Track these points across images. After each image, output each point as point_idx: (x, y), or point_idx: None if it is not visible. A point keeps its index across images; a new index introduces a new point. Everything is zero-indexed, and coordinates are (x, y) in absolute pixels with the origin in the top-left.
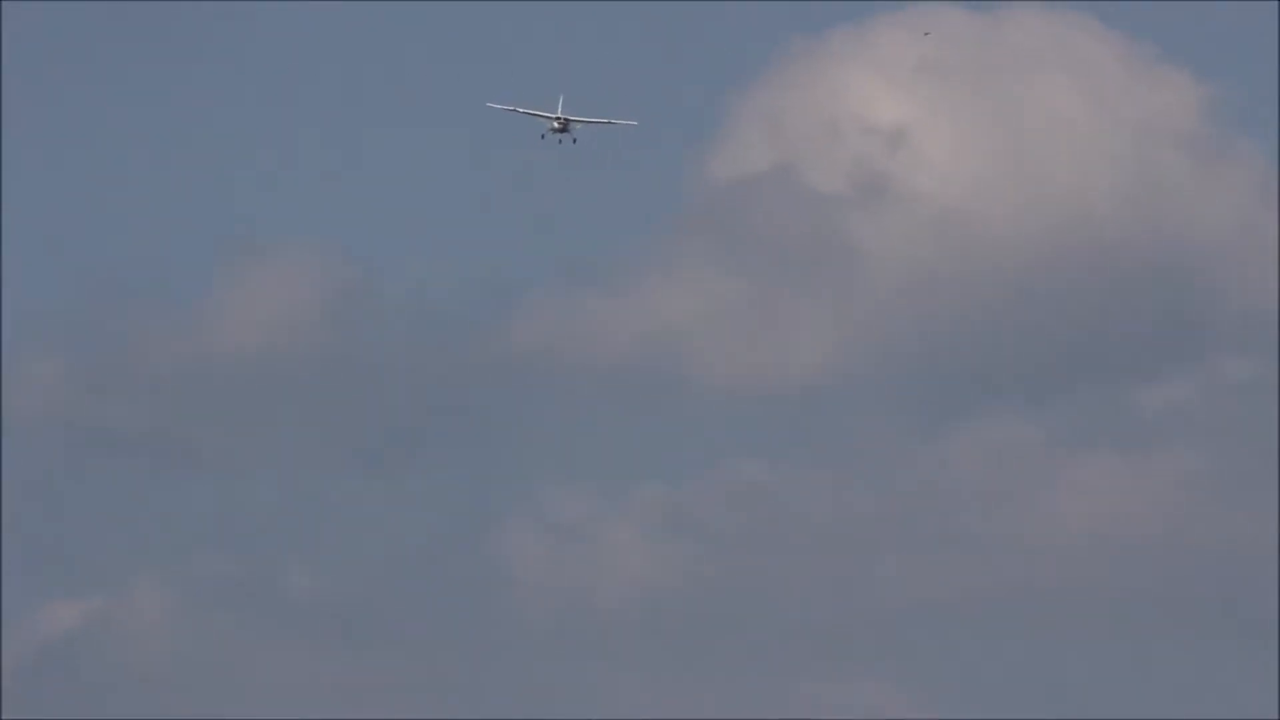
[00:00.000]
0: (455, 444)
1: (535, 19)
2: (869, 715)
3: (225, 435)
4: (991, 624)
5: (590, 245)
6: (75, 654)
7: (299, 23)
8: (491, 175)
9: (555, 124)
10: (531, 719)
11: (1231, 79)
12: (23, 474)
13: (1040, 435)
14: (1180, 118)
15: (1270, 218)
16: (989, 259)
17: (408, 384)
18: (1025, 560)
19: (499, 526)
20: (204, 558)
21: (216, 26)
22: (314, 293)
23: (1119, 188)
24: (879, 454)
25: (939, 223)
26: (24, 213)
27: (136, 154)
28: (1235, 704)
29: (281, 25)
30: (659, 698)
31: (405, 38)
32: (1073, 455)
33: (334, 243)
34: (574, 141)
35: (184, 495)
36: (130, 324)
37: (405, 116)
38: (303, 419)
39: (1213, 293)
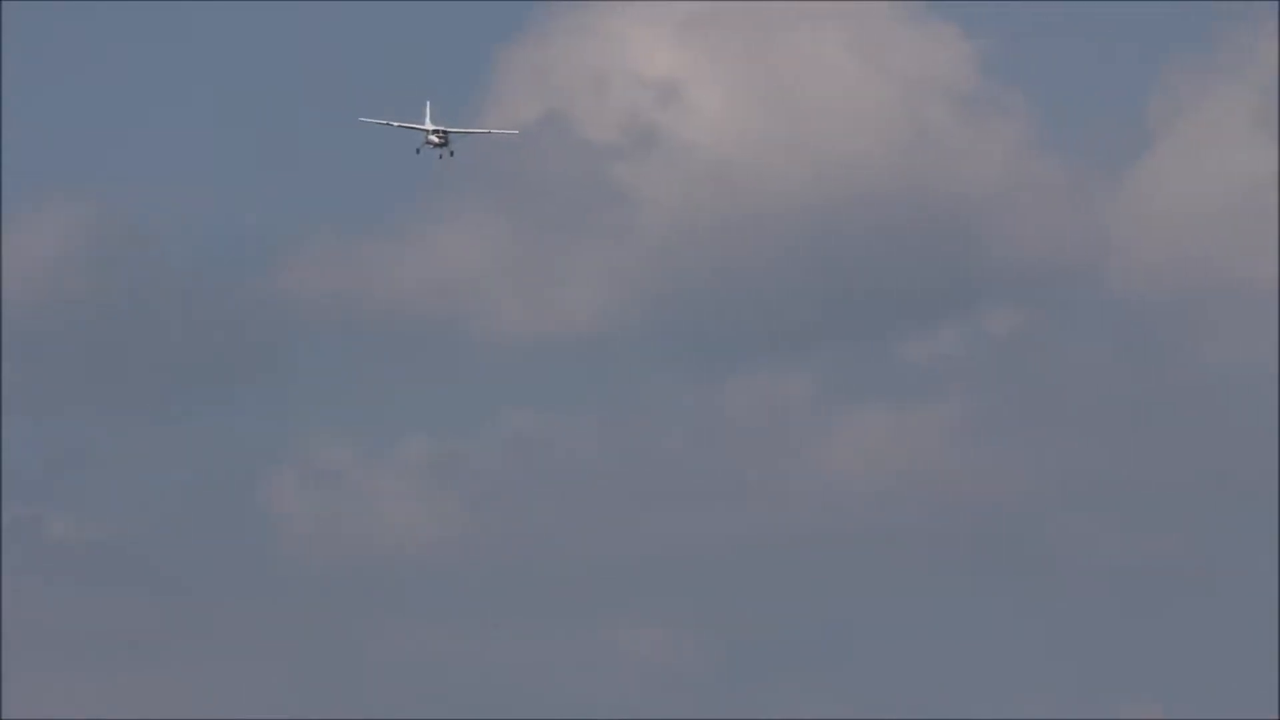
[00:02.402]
0: (226, 391)
1: None
2: (640, 661)
3: None
4: (766, 570)
5: (362, 194)
6: None
7: None
8: (266, 124)
9: (434, 137)
10: (301, 668)
11: (1001, 32)
12: None
13: (811, 385)
14: (950, 71)
15: (1035, 169)
16: (760, 210)
17: (179, 331)
18: (796, 508)
19: (269, 474)
20: None
21: None
22: (84, 241)
23: (889, 140)
24: (651, 403)
25: (710, 174)
26: None
27: None
28: (1000, 641)
29: None
30: (429, 646)
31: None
32: (843, 405)
33: (106, 192)
34: (451, 155)
35: None
36: None
37: (175, 63)
38: (71, 366)
39: (981, 245)
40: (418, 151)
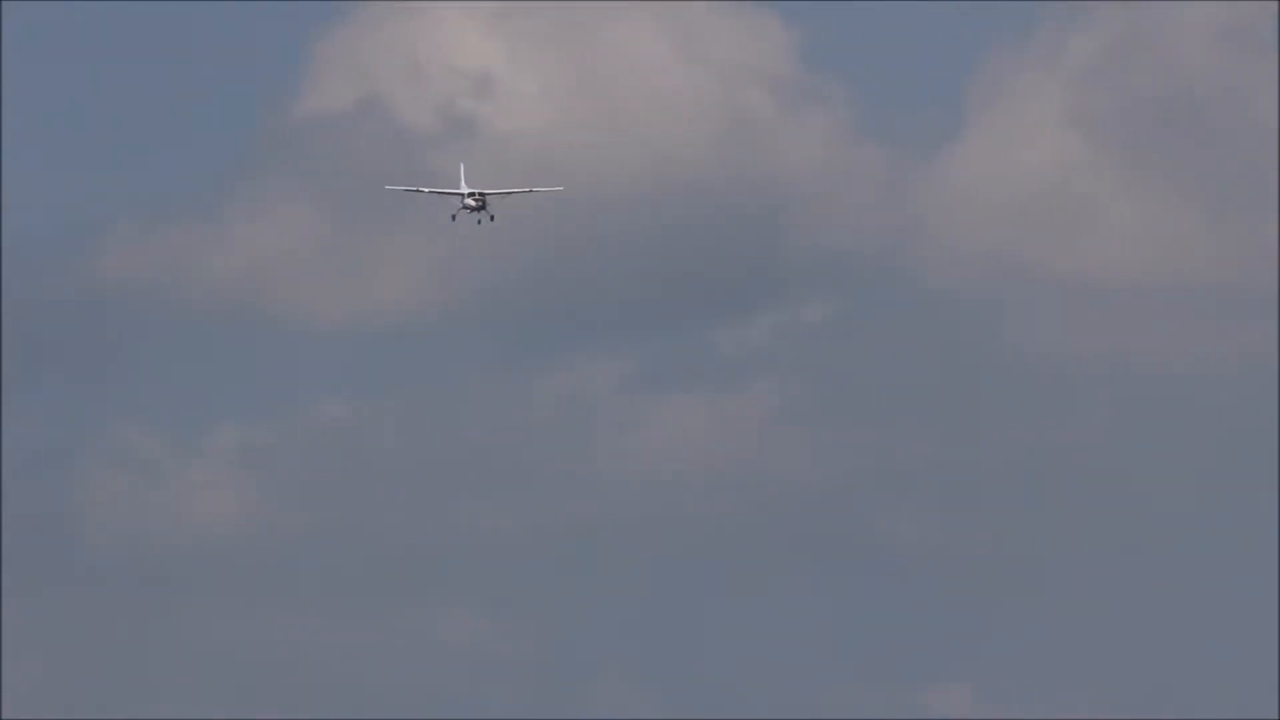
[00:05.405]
0: (32, 379)
1: None
2: (451, 651)
3: None
4: (577, 560)
5: (173, 181)
6: None
7: None
8: (76, 110)
9: (470, 200)
10: (108, 658)
11: (820, 22)
12: None
13: (624, 374)
14: (767, 60)
15: (851, 159)
16: (574, 200)
17: None
18: (609, 497)
19: (77, 462)
20: None
21: None
22: None
23: (705, 129)
24: (463, 392)
25: (525, 162)
26: None
27: None
28: (814, 630)
29: None
30: (238, 636)
31: None
32: (656, 394)
33: None
34: (491, 219)
35: None
36: None
37: None
38: None
39: (795, 234)
40: (453, 218)
